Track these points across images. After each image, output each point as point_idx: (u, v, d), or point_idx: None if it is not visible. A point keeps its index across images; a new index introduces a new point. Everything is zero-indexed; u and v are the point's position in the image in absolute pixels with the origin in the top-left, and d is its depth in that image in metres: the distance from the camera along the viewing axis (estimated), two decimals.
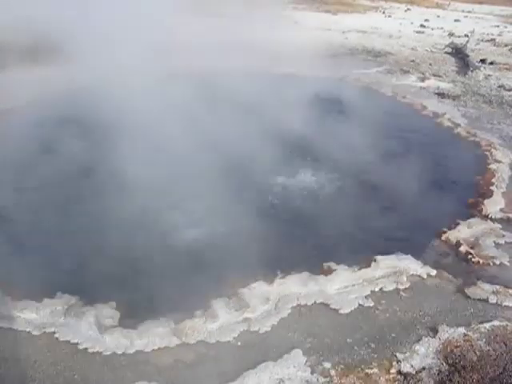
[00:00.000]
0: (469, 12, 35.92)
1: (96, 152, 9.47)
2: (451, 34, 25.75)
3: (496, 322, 5.96)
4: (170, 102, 10.96)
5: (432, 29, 27.61)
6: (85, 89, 12.68)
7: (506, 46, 23.75)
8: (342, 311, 6.00)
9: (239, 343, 5.51)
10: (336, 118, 11.89)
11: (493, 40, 24.97)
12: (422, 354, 5.49)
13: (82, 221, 7.82)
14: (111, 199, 8.12)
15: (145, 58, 13.10)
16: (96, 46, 12.80)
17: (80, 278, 6.48)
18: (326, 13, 31.41)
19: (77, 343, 5.42)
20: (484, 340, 5.69)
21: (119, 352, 5.35)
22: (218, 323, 5.68)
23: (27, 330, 5.55)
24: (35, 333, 5.52)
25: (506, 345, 5.63)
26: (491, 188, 9.13)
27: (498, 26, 29.51)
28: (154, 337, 5.48)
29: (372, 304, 6.18)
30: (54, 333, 5.53)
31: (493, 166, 10.04)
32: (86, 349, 5.36)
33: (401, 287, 6.49)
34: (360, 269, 6.62)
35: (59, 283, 6.22)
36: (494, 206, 8.55)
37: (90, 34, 13.33)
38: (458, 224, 7.94)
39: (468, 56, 19.91)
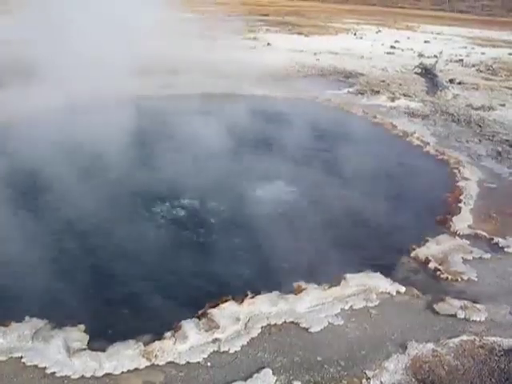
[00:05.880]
0: (438, 34, 36.70)
1: None
2: (421, 55, 26.23)
3: (464, 337, 6.02)
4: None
5: (402, 50, 28.12)
6: None
7: (473, 66, 24.29)
8: (311, 330, 6.00)
9: (209, 364, 5.48)
10: (304, 138, 11.97)
11: (461, 61, 25.50)
12: (392, 371, 5.51)
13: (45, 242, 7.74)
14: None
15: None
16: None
17: (48, 301, 6.40)
18: (298, 35, 31.85)
19: (44, 367, 5.34)
20: (452, 355, 5.75)
21: (88, 375, 5.27)
22: (188, 344, 5.65)
23: None
24: (1, 358, 5.42)
25: (473, 359, 5.70)
26: (459, 205, 9.27)
27: (465, 48, 30.17)
28: (123, 359, 5.43)
29: (342, 322, 6.20)
30: (21, 357, 5.44)
31: (461, 184, 10.22)
32: (53, 373, 5.28)
33: (370, 305, 6.53)
34: (330, 287, 6.65)
35: (27, 307, 6.13)
36: (462, 222, 8.68)
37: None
38: (427, 241, 8.04)
39: (437, 76, 20.28)
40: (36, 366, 5.35)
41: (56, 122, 11.49)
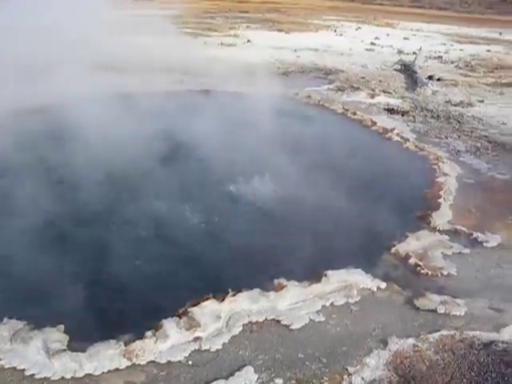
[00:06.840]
0: (417, 30, 36.95)
1: None
2: (400, 52, 26.42)
3: (444, 332, 6.07)
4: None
5: (382, 47, 28.28)
6: None
7: (452, 62, 24.51)
8: (293, 327, 6.01)
9: (190, 362, 5.46)
10: (283, 135, 11.93)
11: (440, 57, 25.73)
12: (373, 367, 5.54)
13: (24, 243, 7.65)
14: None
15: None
16: None
17: (27, 302, 6.31)
18: (278, 32, 31.89)
19: (23, 369, 5.28)
20: (433, 349, 5.80)
21: (68, 376, 5.23)
22: (169, 343, 5.62)
23: None
24: None
25: (453, 353, 5.75)
26: (439, 201, 9.34)
27: (444, 44, 30.44)
28: (103, 359, 5.39)
29: (323, 319, 6.21)
30: (0, 360, 5.37)
31: (440, 179, 10.29)
32: (33, 375, 5.23)
33: (351, 301, 6.55)
34: (311, 284, 6.66)
35: (6, 308, 6.05)
36: (441, 218, 8.74)
37: None
38: (407, 237, 8.09)
39: (416, 73, 20.43)
40: (15, 368, 5.29)
41: None
